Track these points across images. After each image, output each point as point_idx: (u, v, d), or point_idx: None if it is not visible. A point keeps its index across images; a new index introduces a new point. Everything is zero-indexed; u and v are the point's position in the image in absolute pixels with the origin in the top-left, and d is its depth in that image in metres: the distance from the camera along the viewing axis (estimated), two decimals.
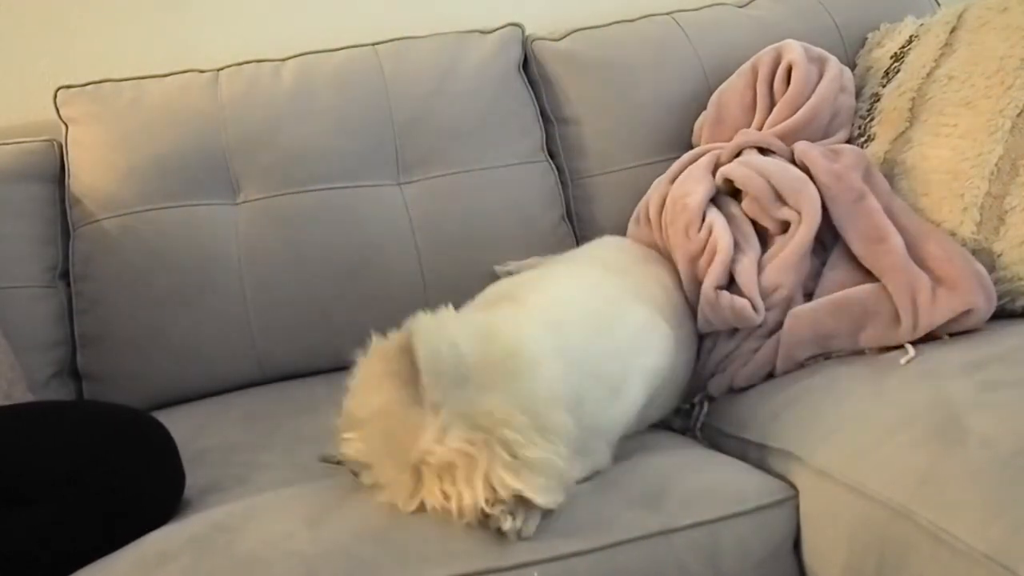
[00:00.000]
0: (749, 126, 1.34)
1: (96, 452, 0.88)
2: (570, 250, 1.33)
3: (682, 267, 1.17)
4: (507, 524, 0.79)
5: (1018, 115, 1.11)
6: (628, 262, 1.19)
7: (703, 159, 1.26)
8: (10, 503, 0.83)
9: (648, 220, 1.27)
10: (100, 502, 0.86)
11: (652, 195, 1.28)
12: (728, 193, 1.22)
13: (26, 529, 0.83)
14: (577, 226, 1.48)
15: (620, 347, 0.98)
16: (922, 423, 0.84)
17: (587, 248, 1.30)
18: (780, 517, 0.89)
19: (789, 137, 1.26)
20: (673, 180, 1.27)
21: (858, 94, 1.36)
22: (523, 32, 1.54)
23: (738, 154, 1.25)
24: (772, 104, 1.34)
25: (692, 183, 1.21)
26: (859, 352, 1.08)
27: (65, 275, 1.37)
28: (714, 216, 1.17)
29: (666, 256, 1.22)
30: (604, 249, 1.27)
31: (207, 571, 0.80)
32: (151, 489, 0.91)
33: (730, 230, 1.15)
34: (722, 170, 1.21)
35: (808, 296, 1.13)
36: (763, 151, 1.24)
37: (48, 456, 0.87)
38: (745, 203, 1.19)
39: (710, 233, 1.15)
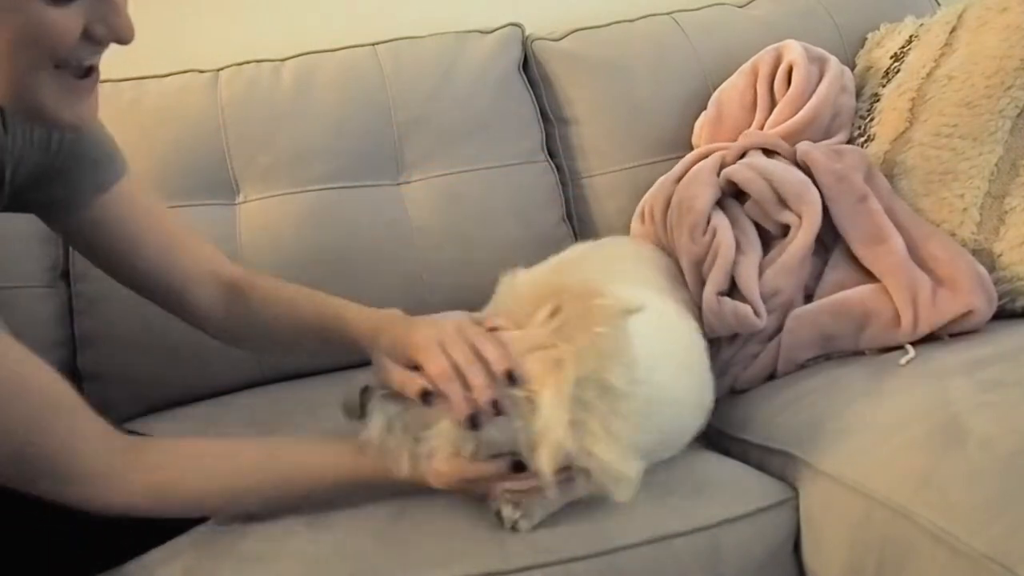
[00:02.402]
0: (749, 126, 1.34)
1: None
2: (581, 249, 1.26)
3: (687, 270, 1.17)
4: (507, 510, 0.79)
5: (1018, 115, 1.11)
6: (663, 280, 1.16)
7: (709, 160, 1.25)
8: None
9: (652, 219, 1.27)
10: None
11: (657, 194, 1.28)
12: (732, 194, 1.22)
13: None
14: (577, 226, 1.48)
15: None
16: (922, 423, 0.84)
17: (608, 253, 1.24)
18: (781, 519, 0.89)
19: (790, 137, 1.26)
20: (678, 180, 1.27)
21: (858, 94, 1.36)
22: (523, 32, 1.54)
23: (743, 155, 1.25)
24: (773, 104, 1.34)
25: (698, 185, 1.21)
26: (860, 353, 1.08)
27: (65, 275, 1.36)
28: (719, 220, 1.17)
29: (671, 254, 1.22)
30: (635, 264, 1.22)
31: (207, 571, 0.80)
32: None
33: (733, 233, 1.15)
34: (726, 171, 1.21)
35: (808, 296, 1.13)
36: (768, 152, 1.24)
37: None
38: (747, 205, 1.19)
39: (714, 236, 1.15)
